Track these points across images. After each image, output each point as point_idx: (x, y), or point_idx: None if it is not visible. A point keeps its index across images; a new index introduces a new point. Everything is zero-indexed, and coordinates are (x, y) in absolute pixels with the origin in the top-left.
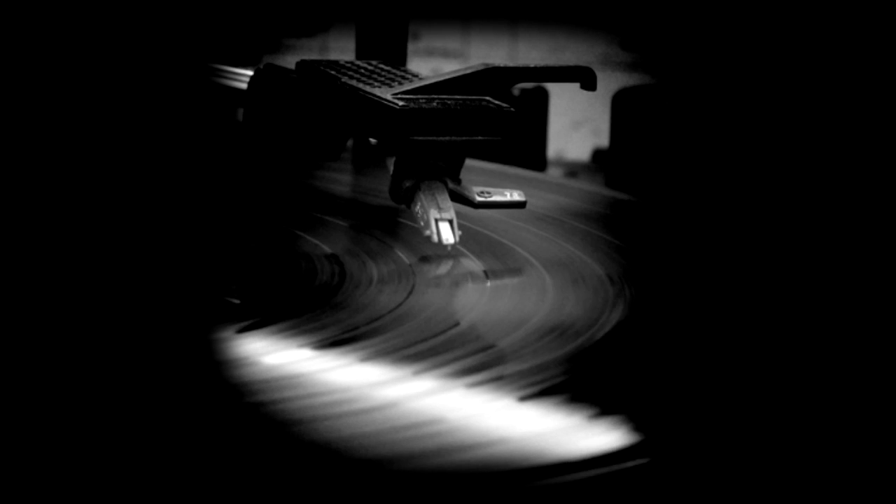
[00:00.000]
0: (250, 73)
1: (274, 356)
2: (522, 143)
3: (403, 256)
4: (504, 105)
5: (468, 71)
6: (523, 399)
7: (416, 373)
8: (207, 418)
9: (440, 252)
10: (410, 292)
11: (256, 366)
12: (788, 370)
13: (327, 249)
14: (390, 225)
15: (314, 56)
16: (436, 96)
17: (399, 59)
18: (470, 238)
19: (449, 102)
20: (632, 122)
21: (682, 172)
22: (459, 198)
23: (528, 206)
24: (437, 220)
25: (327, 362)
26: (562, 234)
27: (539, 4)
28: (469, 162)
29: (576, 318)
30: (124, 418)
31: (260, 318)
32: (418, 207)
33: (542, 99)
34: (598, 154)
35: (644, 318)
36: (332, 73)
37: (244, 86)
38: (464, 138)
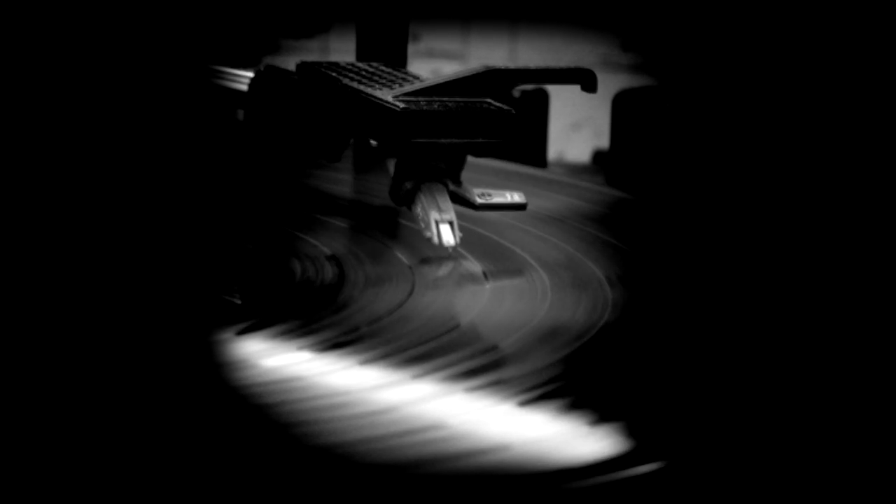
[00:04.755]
0: (251, 74)
1: (273, 359)
2: (523, 145)
3: (403, 258)
4: (505, 107)
5: (469, 73)
6: (523, 404)
7: (416, 376)
8: (206, 421)
9: (440, 253)
10: (410, 294)
11: (255, 368)
12: (789, 373)
13: (327, 250)
14: (390, 226)
15: (314, 57)
16: (436, 98)
17: (399, 61)
18: (470, 239)
19: (450, 104)
20: (632, 123)
21: (683, 174)
22: (460, 199)
23: (527, 207)
24: (437, 222)
25: (326, 365)
26: (562, 236)
27: (539, 5)
28: (471, 160)
29: (575, 319)
30: (123, 420)
31: (259, 320)
32: (419, 209)
33: (543, 101)
34: (598, 156)
35: (644, 320)
36: (333, 74)
37: (244, 87)
38: (464, 140)
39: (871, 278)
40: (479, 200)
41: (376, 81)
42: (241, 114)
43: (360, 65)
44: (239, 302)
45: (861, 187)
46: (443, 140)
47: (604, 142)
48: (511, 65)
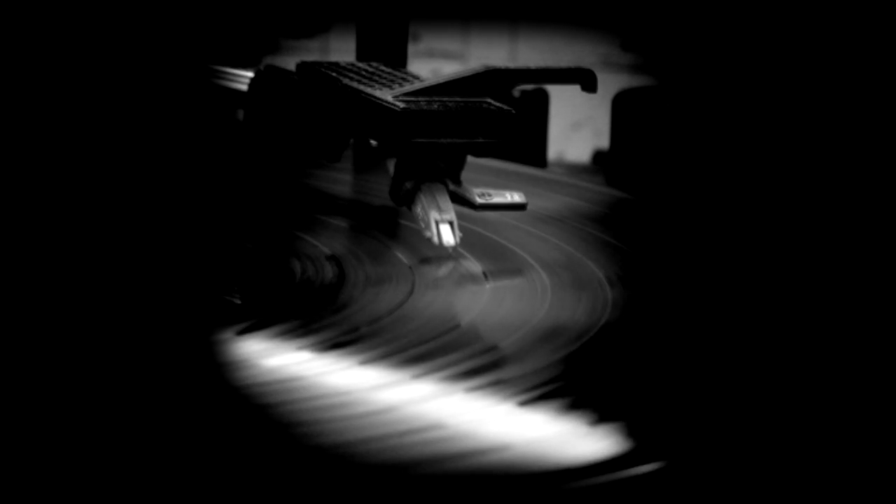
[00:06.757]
0: (251, 74)
1: (273, 359)
2: (523, 145)
3: (403, 257)
4: (504, 106)
5: (469, 72)
6: (523, 404)
7: (416, 376)
8: (206, 421)
9: (440, 253)
10: (410, 294)
11: (255, 368)
12: (789, 373)
13: (327, 250)
14: (390, 226)
15: (314, 57)
16: (436, 98)
17: (399, 61)
18: (470, 239)
19: (450, 104)
20: (632, 123)
21: (683, 174)
22: (460, 199)
23: (528, 207)
24: (437, 222)
25: (326, 365)
26: (562, 236)
27: (539, 5)
28: (471, 160)
29: (575, 319)
30: (124, 420)
31: (259, 320)
32: (419, 209)
33: (543, 100)
34: (598, 156)
35: (644, 320)
36: (333, 74)
37: (244, 87)
38: (464, 140)
39: (871, 278)
40: (480, 200)
41: (376, 81)
42: (241, 114)
43: (360, 65)
44: (239, 302)
45: (861, 187)
46: (443, 140)
47: (604, 142)
48: (511, 65)
